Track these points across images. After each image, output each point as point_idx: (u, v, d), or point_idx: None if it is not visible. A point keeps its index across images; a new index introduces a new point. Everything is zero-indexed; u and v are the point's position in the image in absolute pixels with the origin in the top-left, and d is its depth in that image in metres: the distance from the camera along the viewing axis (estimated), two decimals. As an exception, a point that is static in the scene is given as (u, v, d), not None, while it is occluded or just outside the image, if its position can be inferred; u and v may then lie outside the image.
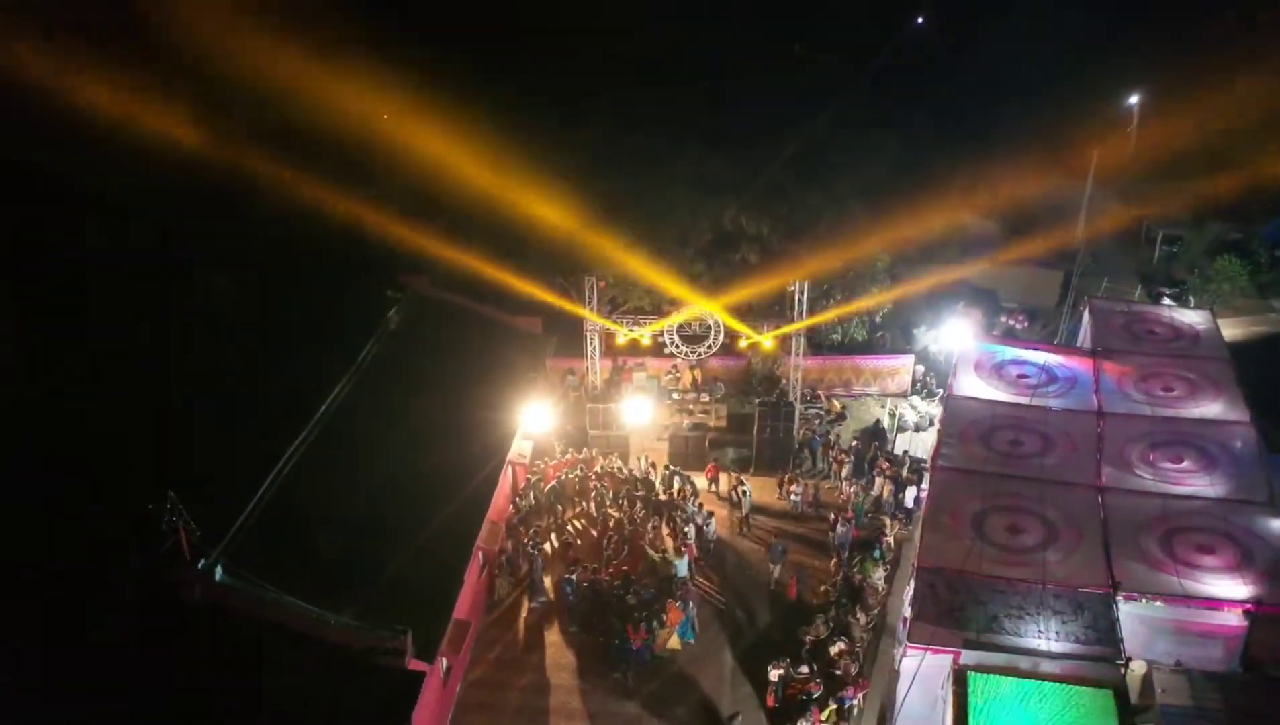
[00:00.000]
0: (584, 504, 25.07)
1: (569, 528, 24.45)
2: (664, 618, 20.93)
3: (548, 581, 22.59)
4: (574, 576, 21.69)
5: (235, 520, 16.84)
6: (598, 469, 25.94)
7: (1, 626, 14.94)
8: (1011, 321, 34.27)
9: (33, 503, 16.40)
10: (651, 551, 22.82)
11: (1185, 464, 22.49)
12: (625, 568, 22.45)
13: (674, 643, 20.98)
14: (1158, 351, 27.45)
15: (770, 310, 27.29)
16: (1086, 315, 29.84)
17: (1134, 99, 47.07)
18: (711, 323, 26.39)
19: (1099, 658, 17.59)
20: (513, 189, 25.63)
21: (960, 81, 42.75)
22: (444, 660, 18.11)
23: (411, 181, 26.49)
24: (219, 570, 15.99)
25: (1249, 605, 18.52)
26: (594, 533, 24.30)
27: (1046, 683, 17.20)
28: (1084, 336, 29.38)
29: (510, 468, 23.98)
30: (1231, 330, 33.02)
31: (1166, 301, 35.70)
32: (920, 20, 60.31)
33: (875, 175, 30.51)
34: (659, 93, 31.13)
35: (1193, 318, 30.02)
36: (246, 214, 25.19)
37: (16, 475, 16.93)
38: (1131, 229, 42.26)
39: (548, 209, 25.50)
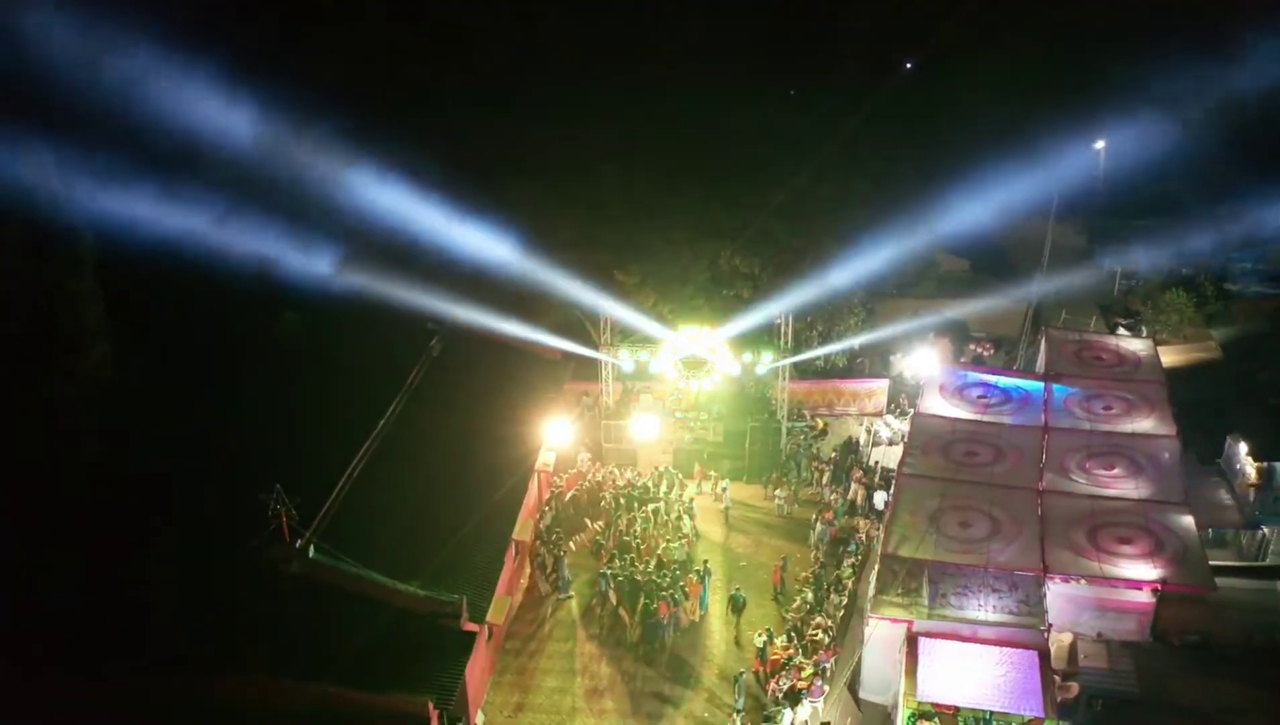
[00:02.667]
0: (599, 511, 29.00)
1: (594, 531, 28.19)
2: (686, 593, 24.89)
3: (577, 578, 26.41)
4: (609, 571, 25.54)
5: (320, 510, 20.76)
6: (599, 477, 29.75)
7: (149, 591, 18.84)
8: (979, 349, 38.00)
9: (170, 493, 20.38)
10: (664, 543, 26.78)
11: (1116, 471, 26.24)
12: (648, 558, 26.39)
13: (695, 613, 24.91)
14: (1102, 375, 31.27)
15: (761, 339, 31.29)
16: (1043, 343, 33.84)
17: (1100, 143, 51.37)
18: (709, 351, 30.41)
19: (1027, 625, 21.30)
20: (536, 239, 29.74)
21: (939, 126, 46.46)
22: (488, 627, 21.92)
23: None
24: (312, 549, 19.92)
25: (1156, 585, 22.26)
26: (615, 533, 28.13)
27: (983, 645, 20.90)
28: (1040, 362, 33.30)
29: (538, 474, 27.88)
30: (1173, 357, 36.87)
31: (1121, 331, 39.51)
32: (909, 65, 65.02)
33: (854, 218, 34.50)
34: (663, 145, 35.10)
35: (1137, 346, 33.91)
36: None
37: (158, 472, 20.92)
38: (1093, 264, 46.24)
39: (568, 254, 29.58)
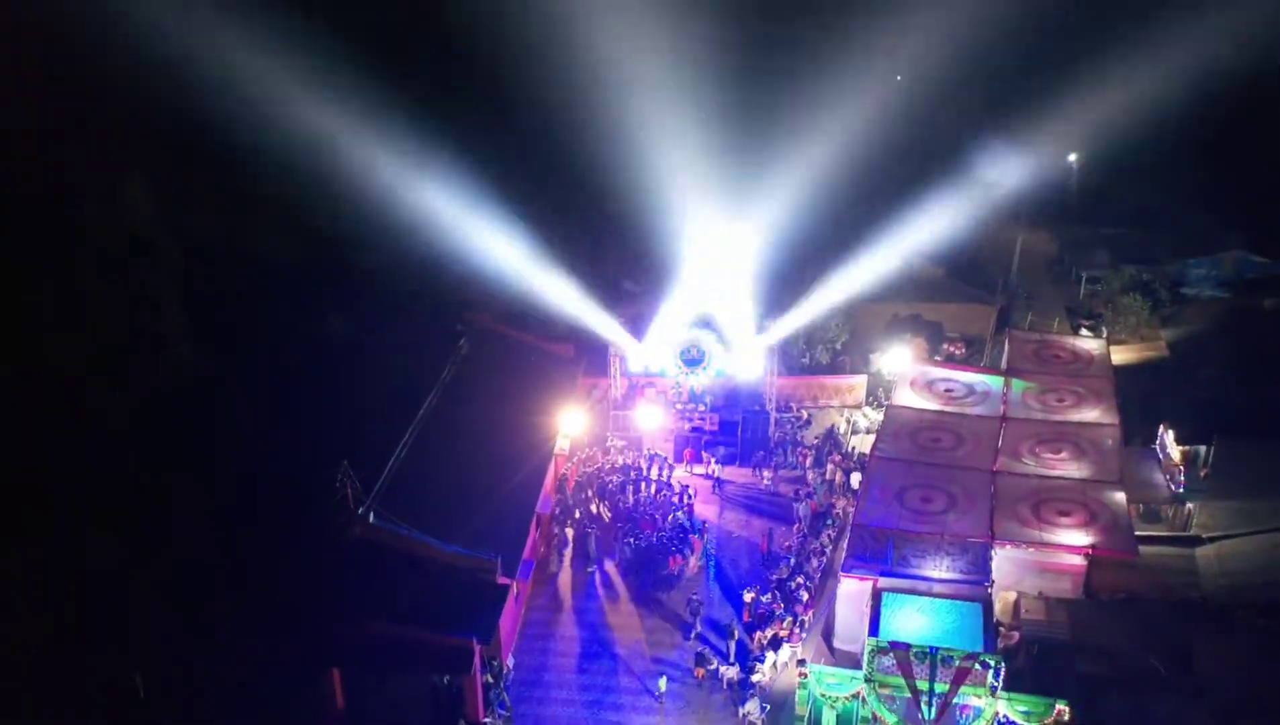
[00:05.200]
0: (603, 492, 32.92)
1: (603, 510, 31.91)
2: (692, 548, 29.05)
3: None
4: (632, 539, 29.51)
5: (376, 484, 24.61)
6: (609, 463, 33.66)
7: (240, 550, 22.72)
8: (952, 348, 41.71)
9: (250, 470, 24.28)
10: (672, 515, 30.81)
11: (1062, 454, 30.11)
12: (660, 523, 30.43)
13: (697, 566, 29.28)
14: (1057, 371, 35.15)
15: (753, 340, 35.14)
16: (1007, 343, 37.63)
17: (1073, 156, 55.15)
18: (707, 350, 34.28)
19: (973, 582, 25.10)
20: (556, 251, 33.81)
21: (919, 140, 49.80)
22: (516, 585, 25.77)
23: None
24: (371, 515, 23.77)
25: (1088, 551, 26.09)
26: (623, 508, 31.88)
27: (936, 599, 24.67)
28: (1004, 360, 37.10)
29: (555, 457, 31.72)
30: (1126, 355, 40.62)
31: (1084, 331, 43.22)
32: (899, 78, 68.71)
33: (837, 234, 38.40)
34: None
35: (1091, 345, 37.77)
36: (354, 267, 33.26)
37: (237, 453, 24.79)
38: (1061, 270, 49.97)
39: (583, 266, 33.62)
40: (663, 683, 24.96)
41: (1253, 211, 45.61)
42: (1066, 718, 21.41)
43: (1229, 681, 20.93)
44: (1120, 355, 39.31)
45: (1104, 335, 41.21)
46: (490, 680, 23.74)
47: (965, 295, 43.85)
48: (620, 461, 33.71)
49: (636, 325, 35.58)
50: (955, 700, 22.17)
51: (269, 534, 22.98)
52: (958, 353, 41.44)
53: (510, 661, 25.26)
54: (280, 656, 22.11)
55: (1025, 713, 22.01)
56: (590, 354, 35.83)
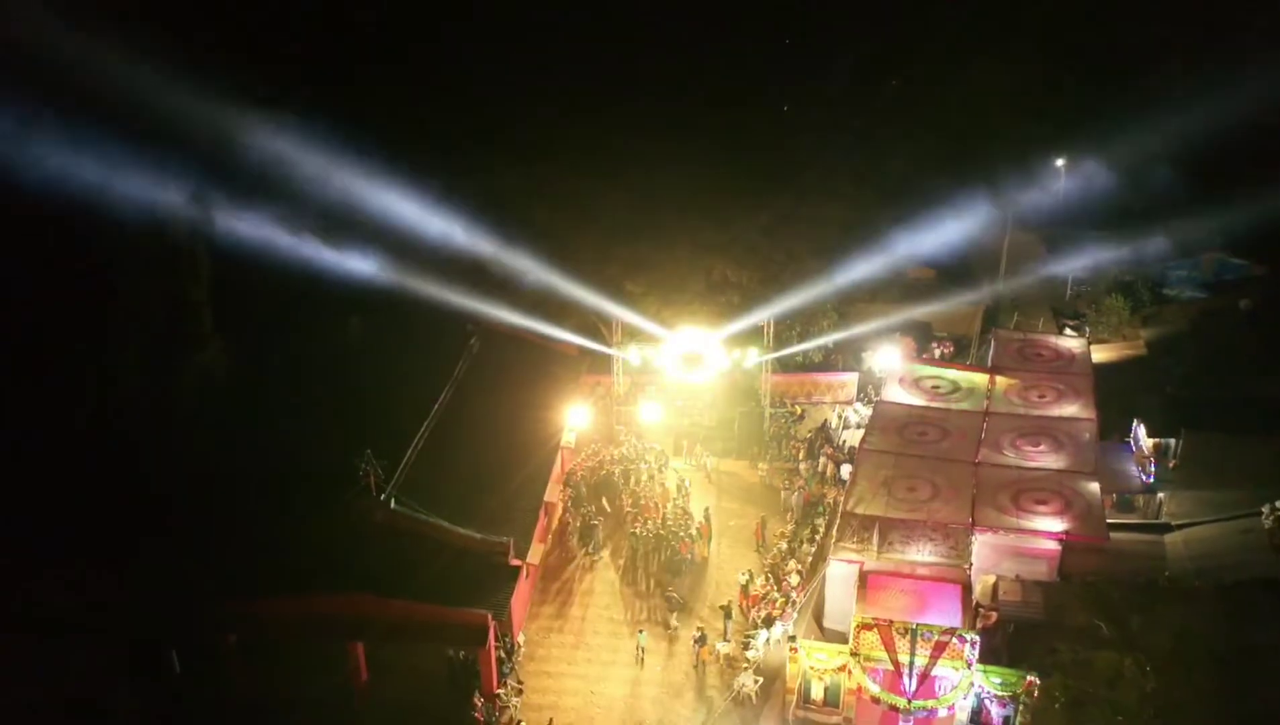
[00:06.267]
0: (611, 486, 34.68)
1: (615, 503, 33.59)
2: (699, 533, 31.03)
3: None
4: (638, 530, 31.20)
5: (396, 472, 26.40)
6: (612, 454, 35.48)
7: (272, 533, 24.53)
8: (940, 348, 43.45)
9: (280, 459, 26.12)
10: (671, 501, 32.69)
11: (1041, 447, 31.66)
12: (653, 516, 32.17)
13: (704, 551, 31.08)
14: (1040, 368, 36.76)
15: (748, 338, 36.88)
16: (992, 342, 39.35)
17: (1060, 160, 56.87)
18: (704, 349, 36.04)
19: (954, 565, 26.83)
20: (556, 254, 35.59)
21: (910, 146, 51.43)
22: (526, 566, 27.52)
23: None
24: (393, 501, 25.56)
25: (1061, 536, 27.79)
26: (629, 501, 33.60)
27: (919, 580, 26.38)
28: (990, 358, 38.81)
29: (561, 450, 33.50)
30: (1106, 353, 42.33)
31: (1068, 331, 44.94)
32: (894, 82, 70.48)
33: (828, 236, 40.17)
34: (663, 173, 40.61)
35: (1073, 344, 39.38)
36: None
37: (266, 444, 26.64)
38: (1048, 271, 51.53)
39: (584, 269, 35.38)
40: (642, 637, 27.36)
41: (1231, 216, 47.38)
42: (1037, 689, 23.27)
43: (1158, 636, 22.95)
44: (1100, 354, 40.98)
45: (1087, 335, 42.94)
46: (503, 655, 25.53)
47: (954, 296, 45.55)
48: (619, 454, 35.49)
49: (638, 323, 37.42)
50: (934, 672, 24.02)
51: (299, 517, 24.77)
52: (946, 352, 43.21)
53: (521, 639, 27.04)
54: (308, 631, 23.90)
55: (999, 683, 23.85)
56: (594, 352, 37.62)
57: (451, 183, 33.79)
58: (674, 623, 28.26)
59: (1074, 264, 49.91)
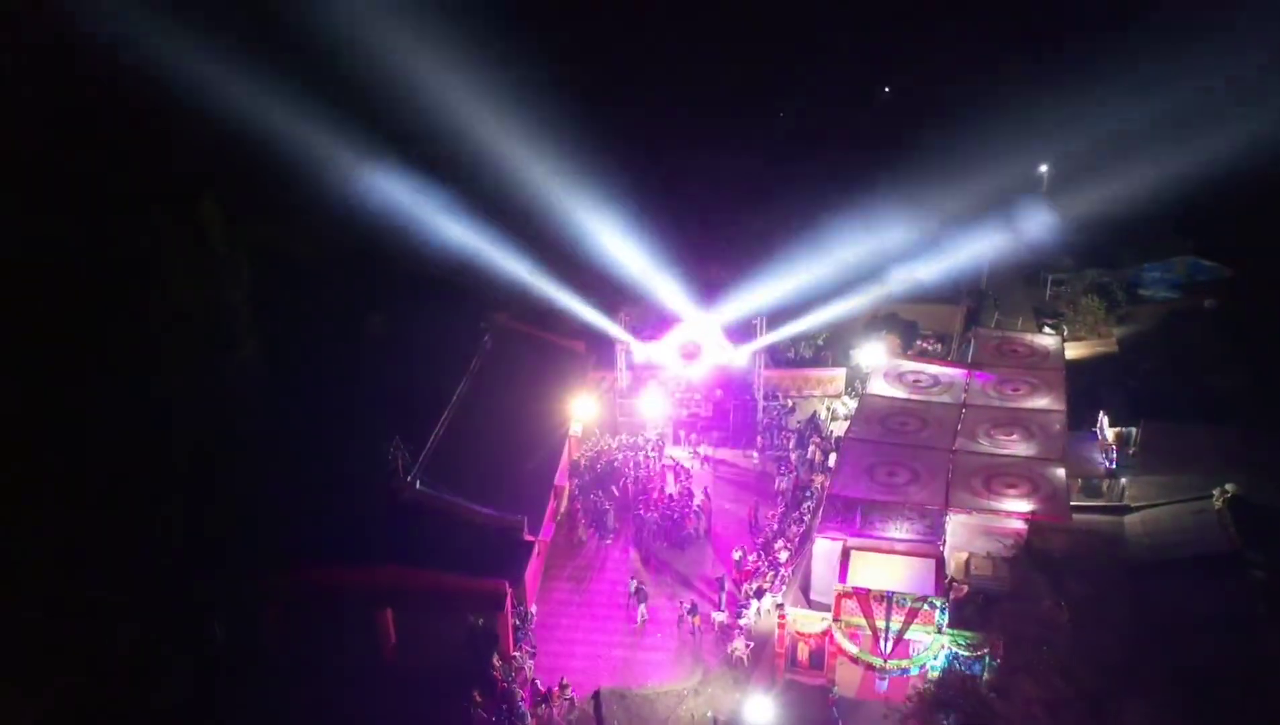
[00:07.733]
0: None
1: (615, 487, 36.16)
2: (702, 510, 33.77)
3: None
4: (643, 510, 33.79)
5: (420, 456, 28.98)
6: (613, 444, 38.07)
7: (309, 511, 27.09)
8: (925, 345, 45.73)
9: (315, 444, 28.70)
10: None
11: (1014, 436, 34.04)
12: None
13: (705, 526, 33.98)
14: (1015, 364, 39.27)
15: (743, 335, 39.47)
16: (972, 340, 41.90)
17: (1044, 166, 59.44)
18: (703, 344, 38.62)
19: (928, 542, 29.39)
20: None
21: (908, 154, 53.86)
22: (538, 543, 30.12)
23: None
24: (418, 482, 28.15)
25: (1027, 516, 30.30)
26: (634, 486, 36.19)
27: (896, 556, 28.93)
28: (970, 354, 41.34)
29: (569, 439, 36.09)
30: (1080, 350, 44.80)
31: (1047, 329, 47.40)
32: (886, 90, 73.00)
33: (824, 243, 42.83)
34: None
35: (1048, 342, 41.86)
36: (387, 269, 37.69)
37: (301, 431, 29.22)
38: (1030, 273, 54.08)
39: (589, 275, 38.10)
40: (643, 609, 30.00)
41: (1203, 220, 49.94)
42: (1000, 651, 25.87)
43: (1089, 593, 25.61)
44: (1074, 351, 43.46)
45: (1064, 333, 45.45)
46: (518, 622, 28.13)
47: (938, 296, 48.03)
48: (622, 442, 38.07)
49: (641, 323, 39.98)
50: (908, 635, 26.61)
51: (333, 497, 27.34)
52: (930, 348, 45.72)
53: (533, 608, 29.63)
54: (342, 600, 26.49)
55: (967, 644, 26.45)
56: (599, 349, 40.23)
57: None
58: (682, 599, 30.74)
59: (1053, 266, 52.39)
